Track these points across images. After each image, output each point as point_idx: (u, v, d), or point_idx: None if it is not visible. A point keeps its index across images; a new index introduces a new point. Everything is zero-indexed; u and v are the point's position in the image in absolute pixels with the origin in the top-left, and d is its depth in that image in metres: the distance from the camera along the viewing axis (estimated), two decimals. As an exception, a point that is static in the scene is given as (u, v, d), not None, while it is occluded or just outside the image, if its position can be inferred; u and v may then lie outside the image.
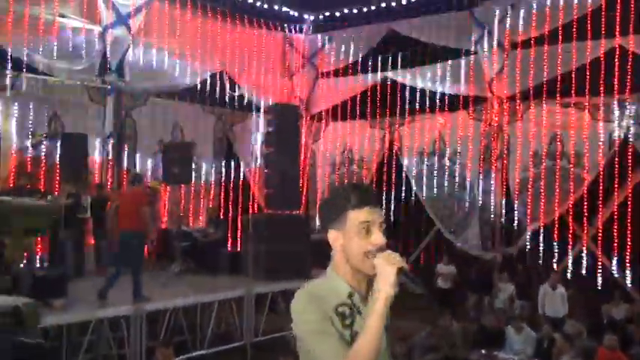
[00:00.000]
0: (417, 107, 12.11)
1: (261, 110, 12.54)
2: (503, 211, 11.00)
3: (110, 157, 10.42)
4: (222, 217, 11.73)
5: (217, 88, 11.94)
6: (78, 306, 6.93)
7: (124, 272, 7.25)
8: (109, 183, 10.29)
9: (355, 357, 1.59)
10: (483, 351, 7.59)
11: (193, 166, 10.54)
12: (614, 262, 9.80)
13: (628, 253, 9.62)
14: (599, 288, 9.78)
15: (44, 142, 9.31)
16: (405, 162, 12.25)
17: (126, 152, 10.72)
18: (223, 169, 12.48)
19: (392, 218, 12.33)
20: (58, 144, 8.80)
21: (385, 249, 1.69)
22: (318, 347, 1.66)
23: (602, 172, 9.86)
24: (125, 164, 10.68)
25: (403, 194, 12.42)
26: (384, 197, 12.63)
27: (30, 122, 9.36)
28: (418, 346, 7.47)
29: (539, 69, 10.42)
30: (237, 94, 12.33)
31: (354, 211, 1.74)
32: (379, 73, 12.54)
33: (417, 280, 1.62)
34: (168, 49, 11.03)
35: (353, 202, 1.74)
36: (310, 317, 1.70)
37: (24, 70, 9.19)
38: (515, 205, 10.74)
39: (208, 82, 11.79)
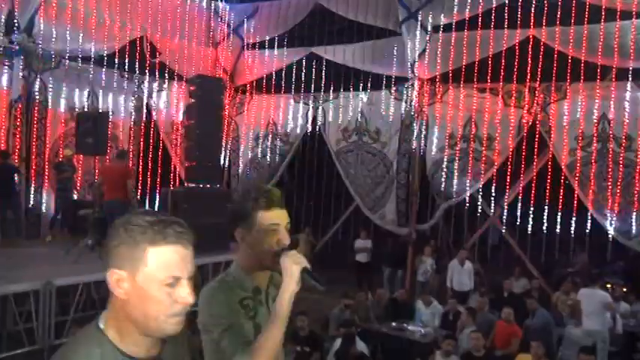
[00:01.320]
0: (342, 84, 12.23)
1: (183, 80, 12.17)
2: (419, 189, 11.43)
3: (18, 122, 9.79)
4: (140, 189, 11.39)
5: (137, 55, 11.44)
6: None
7: None
8: (15, 151, 9.70)
9: (261, 347, 1.68)
10: (394, 323, 7.95)
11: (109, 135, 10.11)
12: (516, 240, 10.53)
13: (529, 234, 10.36)
14: (502, 264, 10.49)
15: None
16: (328, 138, 12.39)
17: (36, 118, 10.10)
18: (142, 140, 12.03)
19: (313, 193, 12.53)
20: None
21: (291, 248, 1.80)
22: (226, 339, 1.74)
23: (511, 156, 10.47)
24: (34, 131, 10.08)
25: (325, 170, 12.61)
26: (305, 172, 12.79)
27: None
28: (333, 319, 7.71)
29: (459, 53, 10.80)
30: (158, 61, 11.87)
31: (263, 212, 1.84)
32: (305, 48, 12.52)
33: (318, 278, 1.73)
34: (84, 10, 10.41)
35: (262, 204, 1.84)
36: (219, 311, 1.79)
37: None
38: (431, 184, 11.20)
39: (127, 48, 11.27)
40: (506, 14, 10.40)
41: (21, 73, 9.76)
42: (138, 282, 1.28)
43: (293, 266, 1.72)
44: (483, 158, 10.58)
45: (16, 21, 9.57)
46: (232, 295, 1.84)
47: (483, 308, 8.07)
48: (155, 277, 1.28)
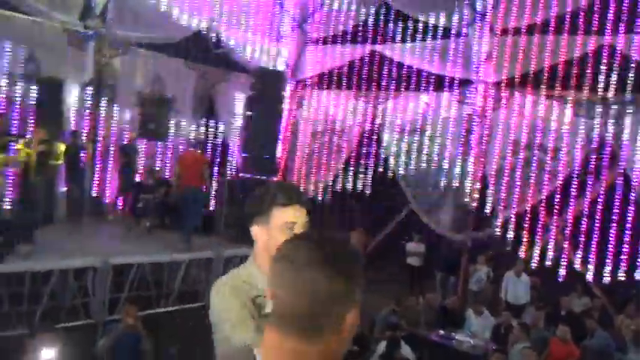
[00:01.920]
0: (403, 84, 12.04)
1: (246, 72, 12.29)
2: (477, 196, 11.10)
3: (87, 104, 10.17)
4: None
5: (202, 45, 11.64)
6: (44, 253, 6.86)
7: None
8: (84, 131, 10.07)
9: None
10: (442, 331, 7.76)
11: (171, 122, 10.36)
12: (579, 256, 10.05)
13: (593, 249, 9.86)
14: (562, 280, 10.03)
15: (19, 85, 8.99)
16: (386, 137, 12.23)
17: (104, 101, 10.45)
18: (202, 129, 12.26)
19: (368, 193, 12.42)
20: (33, 87, 8.48)
21: None
22: (237, 336, 1.69)
23: (578, 168, 9.99)
24: (102, 113, 10.43)
25: (380, 170, 12.46)
26: (361, 170, 12.68)
27: (5, 62, 9.02)
28: (380, 321, 7.59)
29: (528, 58, 10.39)
30: (221, 52, 12.04)
31: (280, 209, 1.78)
32: (368, 46, 12.39)
33: None
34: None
35: (279, 201, 1.78)
36: (230, 307, 1.73)
37: (4, 7, 8.82)
38: (490, 192, 10.86)
39: (193, 37, 11.48)
40: (580, 20, 9.93)
41: (93, 58, 10.13)
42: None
43: None
44: (548, 169, 10.15)
45: (91, 7, 9.92)
46: (244, 292, 1.77)
47: (538, 324, 7.75)
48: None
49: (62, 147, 8.96)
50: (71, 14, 9.72)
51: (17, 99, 8.98)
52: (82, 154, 9.58)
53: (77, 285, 6.90)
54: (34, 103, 8.29)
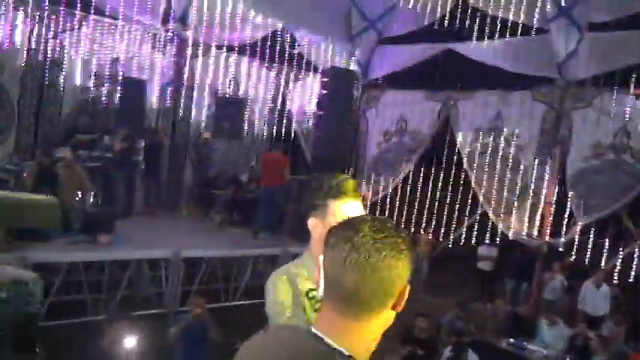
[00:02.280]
0: (478, 82, 11.68)
1: (319, 71, 12.41)
2: (555, 200, 10.58)
3: (168, 104, 10.67)
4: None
5: (277, 45, 11.87)
6: (123, 244, 7.28)
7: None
8: (163, 130, 10.57)
9: None
10: (512, 340, 7.47)
11: (245, 121, 10.66)
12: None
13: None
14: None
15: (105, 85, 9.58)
16: (459, 138, 11.91)
17: (182, 101, 10.93)
18: (275, 128, 12.51)
19: (439, 194, 12.17)
20: (118, 88, 9.02)
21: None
22: None
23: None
24: (181, 113, 10.91)
25: (453, 171, 12.17)
26: (432, 172, 12.44)
27: (93, 64, 9.66)
28: (446, 325, 7.43)
29: (615, 55, 9.77)
30: (296, 52, 12.23)
31: (336, 201, 1.76)
32: (442, 44, 12.12)
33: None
34: (232, 2, 11.01)
35: (335, 194, 1.76)
36: (282, 299, 1.75)
37: (91, 12, 9.43)
38: (569, 196, 10.30)
39: (269, 37, 11.74)
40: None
41: (173, 59, 10.61)
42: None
43: None
44: (635, 172, 9.49)
45: (172, 11, 10.40)
46: (298, 285, 1.77)
47: (618, 338, 7.27)
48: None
49: (142, 143, 9.49)
50: (154, 17, 10.23)
51: (103, 99, 9.57)
52: (160, 151, 10.06)
53: (151, 275, 7.28)
54: (117, 102, 8.81)
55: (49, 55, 9.23)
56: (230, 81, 11.43)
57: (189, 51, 10.75)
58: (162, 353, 5.85)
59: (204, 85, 11.16)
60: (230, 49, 11.34)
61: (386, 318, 1.17)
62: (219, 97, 10.61)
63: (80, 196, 7.90)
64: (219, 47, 11.20)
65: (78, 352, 5.41)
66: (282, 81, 12.33)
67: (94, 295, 6.76)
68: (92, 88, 9.71)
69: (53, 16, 9.13)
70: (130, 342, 5.43)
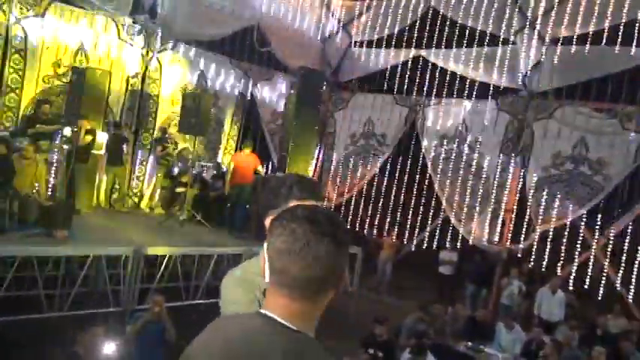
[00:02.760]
0: (445, 90, 11.86)
1: (288, 72, 12.37)
2: (515, 207, 10.81)
3: (133, 97, 10.44)
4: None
5: (247, 42, 11.77)
6: (80, 240, 7.07)
7: None
8: (127, 122, 10.34)
9: None
10: (470, 343, 7.59)
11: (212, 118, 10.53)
12: (620, 275, 9.66)
13: (635, 268, 9.46)
14: (600, 299, 9.66)
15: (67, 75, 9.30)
16: (425, 143, 12.06)
17: (148, 94, 10.71)
18: (242, 126, 12.41)
19: (403, 198, 12.29)
20: (81, 78, 8.75)
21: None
22: None
23: (622, 184, 9.61)
24: (146, 106, 10.69)
25: (418, 176, 12.31)
26: (396, 176, 12.55)
27: (56, 53, 9.38)
28: (406, 328, 7.49)
29: (577, 69, 10.06)
30: (266, 50, 12.14)
31: (296, 203, 1.74)
32: (413, 50, 12.26)
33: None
34: (202, -4, 10.88)
35: (295, 194, 1.76)
36: (237, 299, 1.74)
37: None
38: (529, 204, 10.55)
39: (239, 34, 11.63)
40: (635, 31, 9.53)
41: (140, 52, 10.39)
42: None
43: None
44: (591, 183, 9.79)
45: (141, 2, 10.19)
46: (254, 284, 1.75)
47: (571, 343, 7.47)
48: None
49: (105, 137, 9.25)
50: (122, 9, 9.99)
51: (65, 89, 9.29)
52: (123, 145, 9.83)
53: (110, 273, 7.10)
54: (80, 93, 8.55)
55: (10, 42, 8.91)
56: (198, 76, 11.26)
57: (156, 43, 10.55)
58: (118, 352, 5.69)
59: (171, 79, 10.97)
60: (199, 43, 11.18)
61: (327, 298, 1.28)
62: (185, 92, 10.44)
63: (37, 188, 7.65)
64: (187, 41, 11.03)
65: (31, 351, 5.24)
66: (251, 79, 12.23)
67: (49, 291, 6.55)
68: (54, 78, 9.43)
69: (15, 1, 8.82)
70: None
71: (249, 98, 12.42)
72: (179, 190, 9.76)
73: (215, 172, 11.23)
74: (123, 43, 10.14)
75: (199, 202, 9.96)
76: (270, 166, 12.45)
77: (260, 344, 1.20)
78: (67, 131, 8.46)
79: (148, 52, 10.48)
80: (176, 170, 10.69)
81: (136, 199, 10.68)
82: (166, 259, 7.54)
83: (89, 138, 8.62)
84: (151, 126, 10.86)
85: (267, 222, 1.81)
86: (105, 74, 9.13)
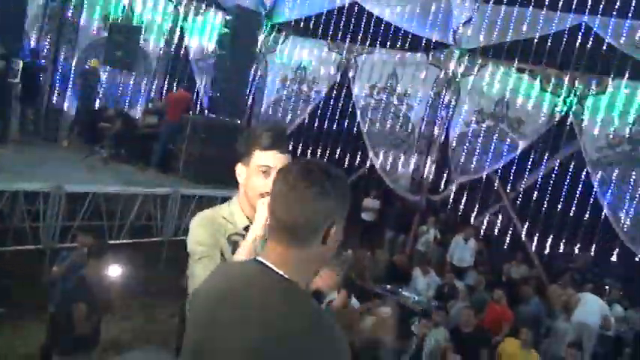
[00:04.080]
0: (379, 40, 11.93)
1: (222, 9, 11.90)
2: (436, 159, 11.30)
3: (50, 21, 9.70)
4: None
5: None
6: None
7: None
8: (45, 49, 9.65)
9: None
10: (389, 286, 8.03)
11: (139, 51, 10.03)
12: (525, 227, 10.47)
13: (539, 223, 10.28)
14: (506, 248, 10.47)
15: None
16: (355, 92, 12.18)
17: (68, 19, 9.98)
18: (170, 62, 11.92)
19: (331, 145, 12.47)
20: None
21: None
22: (199, 266, 1.74)
23: (536, 142, 10.27)
24: (66, 34, 9.99)
25: (346, 124, 12.48)
26: (326, 123, 12.65)
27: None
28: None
29: (505, 29, 10.42)
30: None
31: (261, 152, 1.81)
32: (349, -4, 12.13)
33: None
34: None
35: (261, 143, 1.81)
36: (202, 240, 1.78)
37: None
38: (450, 156, 11.06)
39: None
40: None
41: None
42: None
43: (264, 210, 1.70)
44: (508, 140, 10.38)
45: None
46: (221, 228, 1.82)
47: (479, 287, 8.11)
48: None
49: (20, 64, 8.60)
50: None
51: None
52: (40, 75, 9.20)
53: (27, 209, 6.79)
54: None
55: None
56: (124, 6, 10.60)
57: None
58: (39, 291, 5.56)
59: (95, 6, 10.26)
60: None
61: (318, 253, 1.31)
62: (112, 23, 9.82)
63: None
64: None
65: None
66: (182, 13, 11.67)
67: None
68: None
69: None
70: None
71: (178, 34, 11.88)
72: (102, 125, 9.34)
73: (144, 108, 10.83)
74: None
75: (124, 138, 9.60)
76: (198, 106, 12.13)
77: (252, 289, 1.27)
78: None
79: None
80: (98, 104, 10.19)
81: (54, 133, 10.11)
82: (89, 197, 7.29)
83: (2, 64, 7.99)
84: (71, 55, 10.18)
85: (237, 169, 1.87)
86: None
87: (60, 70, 10.06)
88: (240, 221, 1.86)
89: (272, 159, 1.80)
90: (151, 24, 11.15)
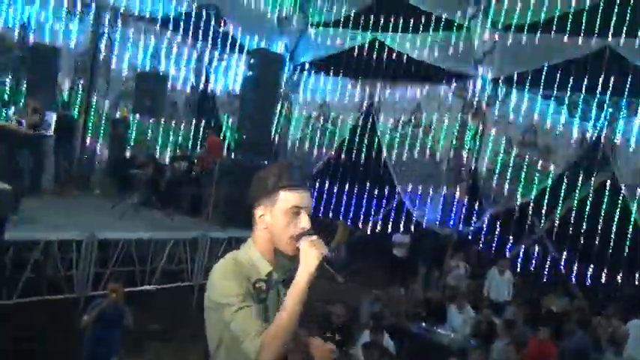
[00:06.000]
0: (401, 73, 11.97)
1: (245, 52, 12.17)
2: (466, 191, 11.12)
3: (82, 76, 10.04)
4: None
5: (203, 22, 11.49)
6: (30, 224, 6.80)
7: None
8: (77, 101, 9.95)
9: (273, 334, 1.59)
10: (424, 324, 7.81)
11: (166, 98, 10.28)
12: (564, 257, 10.14)
13: (578, 251, 9.94)
14: (545, 280, 10.12)
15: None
16: (380, 127, 12.20)
17: (99, 72, 10.31)
18: (197, 106, 12.18)
19: (357, 181, 12.42)
20: (28, 55, 8.35)
21: (311, 233, 1.71)
22: (237, 321, 1.64)
23: (568, 169, 10.03)
24: (97, 85, 10.31)
25: (372, 159, 12.44)
26: (351, 159, 12.64)
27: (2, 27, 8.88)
28: (364, 310, 7.63)
29: (528, 56, 10.36)
30: (222, 30, 11.90)
31: (285, 192, 1.73)
32: (369, 33, 12.29)
33: (338, 269, 1.64)
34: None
35: (285, 183, 1.73)
36: (233, 290, 1.68)
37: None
38: (480, 188, 10.88)
39: (195, 13, 11.32)
40: (583, 20, 9.88)
41: (91, 28, 9.97)
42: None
43: (312, 251, 1.64)
44: (539, 168, 10.17)
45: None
46: (245, 276, 1.73)
47: (518, 322, 7.81)
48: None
49: (53, 117, 8.89)
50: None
51: (11, 66, 8.84)
52: (73, 126, 9.47)
53: (61, 258, 6.87)
54: (27, 71, 8.18)
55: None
56: (151, 56, 10.93)
57: (108, 20, 10.15)
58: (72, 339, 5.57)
59: (124, 57, 10.59)
60: (152, 21, 10.83)
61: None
62: (140, 72, 10.12)
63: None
64: (140, 19, 10.66)
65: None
66: (207, 58, 11.97)
67: (-2, 278, 6.28)
68: (-1, 54, 8.95)
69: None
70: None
71: (204, 79, 12.16)
72: (133, 171, 9.50)
73: (178, 152, 11.12)
74: (73, 19, 9.70)
75: (153, 184, 9.73)
76: (226, 149, 12.29)
77: None
78: (13, 110, 8.07)
79: (98, 28, 10.07)
80: (129, 151, 10.40)
81: (86, 182, 10.33)
82: (121, 243, 7.36)
83: (36, 117, 8.25)
84: (102, 106, 10.48)
85: (257, 212, 1.78)
86: (53, 51, 8.73)
87: (91, 121, 10.34)
88: (262, 267, 1.78)
89: (301, 199, 1.74)
90: (177, 71, 11.44)
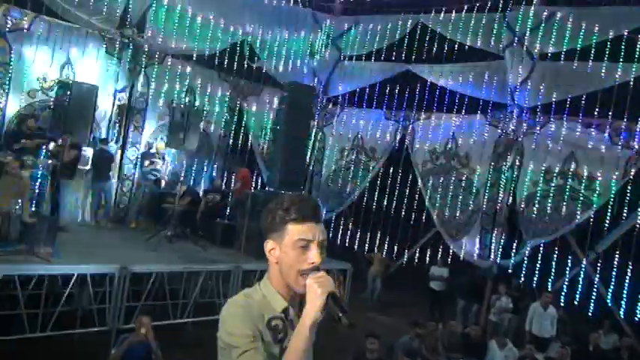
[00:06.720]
0: (435, 104, 11.88)
1: (278, 86, 12.33)
2: (505, 222, 10.79)
3: (119, 112, 10.31)
4: (224, 188, 11.65)
5: (237, 57, 11.72)
6: (65, 257, 6.88)
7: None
8: (114, 137, 10.20)
9: None
10: (462, 360, 7.49)
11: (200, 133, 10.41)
12: (610, 291, 9.64)
13: (626, 284, 9.44)
14: (591, 315, 9.61)
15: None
16: (415, 158, 12.05)
17: (135, 108, 10.58)
18: (231, 140, 12.32)
19: (393, 213, 12.23)
20: (68, 92, 8.61)
21: (320, 269, 1.60)
22: None
23: (612, 199, 9.61)
24: (133, 121, 10.57)
25: (407, 191, 12.27)
26: (387, 190, 12.49)
27: (42, 67, 9.24)
28: (400, 347, 7.37)
29: (565, 84, 10.12)
30: (255, 65, 12.11)
31: (294, 225, 1.64)
32: (402, 64, 12.29)
33: (345, 308, 1.52)
34: (192, 11, 10.82)
35: (294, 216, 1.64)
36: (240, 331, 1.58)
37: (43, 11, 9.06)
38: (519, 219, 10.54)
39: (228, 49, 11.58)
40: (622, 47, 9.62)
41: (127, 66, 10.29)
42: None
43: (318, 290, 1.53)
44: (581, 198, 9.80)
45: (129, 16, 10.11)
46: (258, 315, 1.62)
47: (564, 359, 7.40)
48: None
49: (91, 152, 9.11)
50: (109, 23, 9.91)
51: (51, 103, 9.15)
52: (109, 161, 9.69)
53: (94, 291, 6.91)
54: (66, 108, 8.42)
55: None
56: (186, 91, 11.17)
57: (144, 58, 10.46)
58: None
59: (160, 93, 10.86)
60: (187, 58, 11.11)
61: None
62: (174, 107, 10.33)
63: (21, 204, 7.46)
64: (175, 56, 10.96)
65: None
66: (240, 93, 12.16)
67: (31, 311, 6.36)
68: (40, 92, 9.28)
69: (0, 14, 8.70)
70: None
71: (238, 113, 12.33)
72: (166, 205, 9.60)
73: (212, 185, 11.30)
74: (110, 57, 10.04)
75: (187, 216, 9.80)
76: (259, 182, 12.34)
77: None
78: (52, 146, 8.29)
79: (135, 66, 10.39)
80: (163, 185, 10.54)
81: (122, 215, 10.50)
82: (153, 276, 7.37)
83: (74, 153, 8.47)
84: (138, 141, 10.72)
85: (267, 246, 1.69)
86: (91, 89, 9.00)
87: (128, 156, 10.56)
88: (277, 304, 1.68)
89: (310, 231, 1.64)
90: (211, 106, 11.65)
